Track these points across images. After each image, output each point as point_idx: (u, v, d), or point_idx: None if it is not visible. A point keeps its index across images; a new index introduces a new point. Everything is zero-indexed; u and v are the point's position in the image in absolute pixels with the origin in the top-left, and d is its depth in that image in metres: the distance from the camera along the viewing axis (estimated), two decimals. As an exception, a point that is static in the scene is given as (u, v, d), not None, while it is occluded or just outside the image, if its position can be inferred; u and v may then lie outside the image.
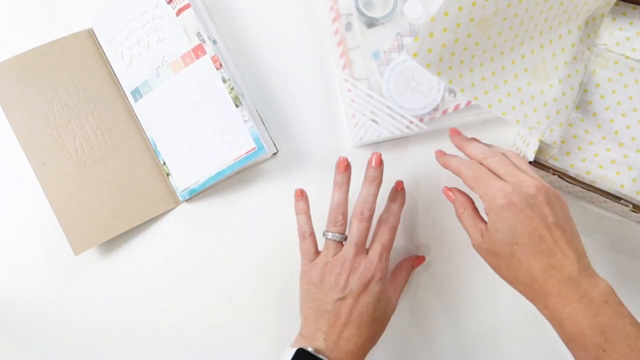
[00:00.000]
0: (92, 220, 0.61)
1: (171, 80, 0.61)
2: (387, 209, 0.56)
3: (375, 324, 0.52)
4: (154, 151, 0.63)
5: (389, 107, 0.59)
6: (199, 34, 0.60)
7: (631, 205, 0.54)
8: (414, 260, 0.59)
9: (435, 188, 0.61)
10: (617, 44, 0.58)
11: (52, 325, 0.63)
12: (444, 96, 0.59)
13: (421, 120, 0.59)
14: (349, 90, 0.60)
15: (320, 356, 0.50)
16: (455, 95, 0.59)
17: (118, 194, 0.62)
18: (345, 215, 0.54)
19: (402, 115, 0.59)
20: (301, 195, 0.57)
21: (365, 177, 0.55)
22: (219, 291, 0.62)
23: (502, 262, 0.47)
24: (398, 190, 0.57)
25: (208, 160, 0.60)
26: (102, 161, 0.62)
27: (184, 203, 0.63)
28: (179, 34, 0.60)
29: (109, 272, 0.63)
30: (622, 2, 0.58)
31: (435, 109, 0.59)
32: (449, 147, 0.54)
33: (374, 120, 0.59)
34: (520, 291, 0.47)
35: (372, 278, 0.52)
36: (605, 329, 0.42)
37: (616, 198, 0.54)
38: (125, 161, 0.62)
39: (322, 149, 0.63)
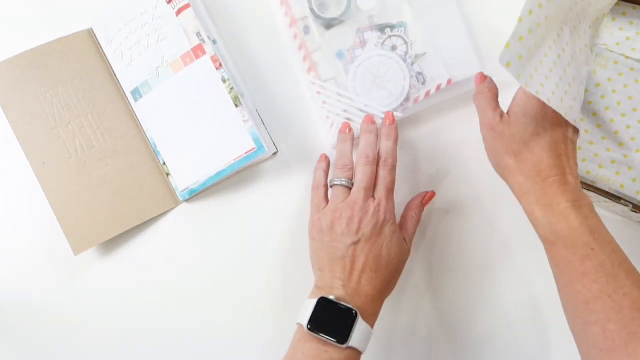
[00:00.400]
0: (92, 220, 0.61)
1: (171, 80, 0.61)
2: (382, 148, 0.55)
3: (391, 266, 0.51)
4: (154, 151, 0.63)
5: (360, 104, 0.59)
6: (198, 34, 0.60)
7: (631, 205, 0.54)
8: (423, 198, 0.58)
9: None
10: (617, 44, 0.58)
11: (52, 324, 0.63)
12: (411, 84, 0.58)
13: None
14: (319, 93, 0.60)
15: (343, 303, 0.48)
16: (424, 83, 0.58)
17: (118, 194, 0.62)
18: (352, 162, 0.55)
19: (375, 109, 0.59)
20: (325, 159, 0.58)
21: (362, 131, 0.56)
22: (219, 291, 0.62)
23: (510, 148, 0.47)
24: (389, 125, 0.56)
25: (208, 160, 0.60)
26: (102, 161, 0.62)
27: (184, 203, 0.63)
28: (179, 33, 0.60)
29: (109, 272, 0.63)
30: (622, 2, 0.58)
31: (407, 99, 0.59)
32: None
33: (348, 119, 0.59)
34: (513, 182, 0.48)
35: (384, 221, 0.51)
36: (594, 231, 0.45)
37: (616, 198, 0.54)
38: (125, 161, 0.62)
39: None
